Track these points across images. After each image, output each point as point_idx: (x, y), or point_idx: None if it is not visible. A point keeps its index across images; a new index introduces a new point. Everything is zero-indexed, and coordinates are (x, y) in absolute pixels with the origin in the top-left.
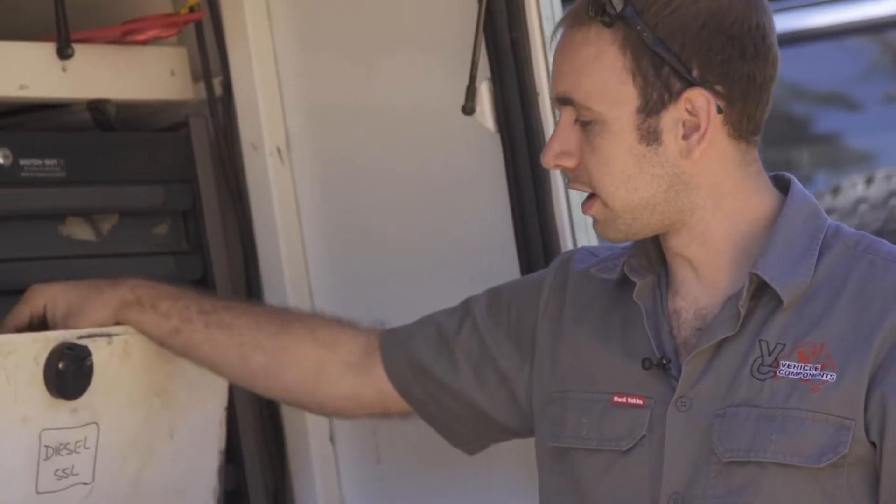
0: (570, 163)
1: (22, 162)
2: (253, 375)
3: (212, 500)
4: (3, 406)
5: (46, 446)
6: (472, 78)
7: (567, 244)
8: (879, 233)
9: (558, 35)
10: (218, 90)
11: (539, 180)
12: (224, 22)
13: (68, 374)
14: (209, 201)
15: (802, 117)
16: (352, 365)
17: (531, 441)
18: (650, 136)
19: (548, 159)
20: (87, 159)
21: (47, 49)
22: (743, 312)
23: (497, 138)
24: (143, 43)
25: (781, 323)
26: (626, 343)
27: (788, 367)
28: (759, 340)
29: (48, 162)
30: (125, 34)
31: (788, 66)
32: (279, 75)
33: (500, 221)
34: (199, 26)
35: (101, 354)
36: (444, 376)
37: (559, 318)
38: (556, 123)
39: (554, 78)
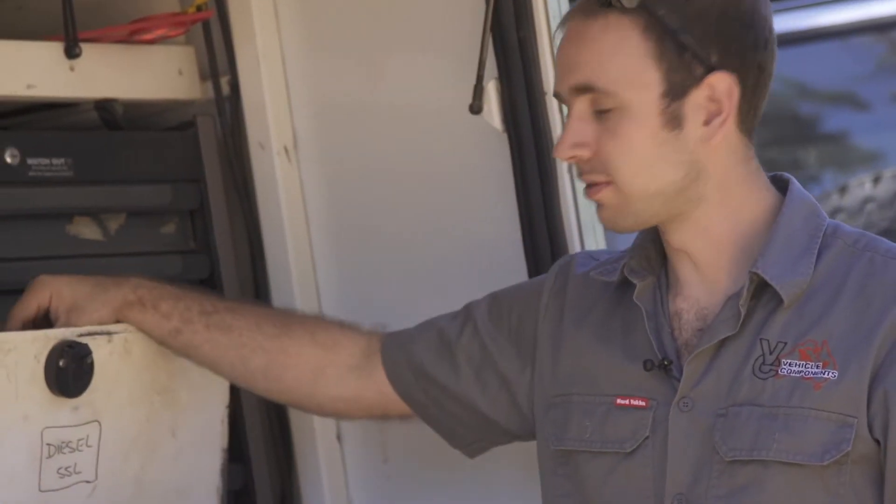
0: (585, 153)
1: (29, 161)
2: (253, 377)
3: (215, 499)
4: (5, 404)
5: (48, 444)
6: (480, 77)
7: (574, 244)
8: (887, 232)
9: (563, 30)
10: (225, 89)
11: (546, 180)
12: (231, 21)
13: (69, 372)
14: (216, 201)
15: (810, 116)
16: (352, 367)
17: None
18: (673, 122)
19: (563, 150)
20: (94, 159)
21: (55, 48)
22: (743, 312)
23: (504, 137)
24: (151, 42)
25: (782, 322)
26: (628, 345)
27: (790, 365)
28: (761, 339)
29: (56, 161)
30: (133, 33)
31: (796, 66)
32: (287, 75)
33: (507, 221)
34: (206, 25)
35: (102, 352)
36: (446, 380)
37: (560, 321)
38: (567, 116)
39: (566, 69)
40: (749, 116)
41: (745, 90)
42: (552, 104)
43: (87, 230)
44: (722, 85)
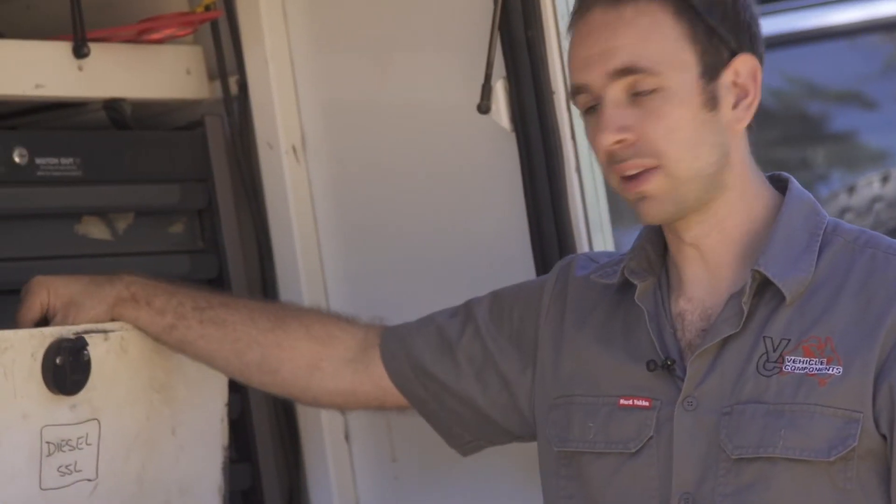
0: (630, 137)
1: (38, 161)
2: (248, 370)
3: (217, 498)
4: (3, 402)
5: (48, 443)
6: (488, 76)
7: (582, 243)
8: (895, 232)
9: (582, 21)
10: (234, 89)
11: (555, 179)
12: (240, 21)
13: (66, 369)
14: (225, 200)
15: (818, 116)
16: (348, 360)
17: None
18: (712, 102)
19: (608, 136)
20: (102, 158)
21: (63, 48)
22: (746, 310)
23: (512, 137)
24: (159, 42)
25: (785, 319)
26: (629, 346)
27: (794, 362)
28: (764, 337)
29: (64, 161)
30: (141, 33)
31: (804, 65)
32: (295, 74)
33: (515, 220)
34: (214, 25)
35: (98, 350)
36: (447, 378)
37: (561, 323)
38: (603, 104)
39: (598, 56)
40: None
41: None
42: (560, 103)
43: (95, 230)
44: (746, 67)
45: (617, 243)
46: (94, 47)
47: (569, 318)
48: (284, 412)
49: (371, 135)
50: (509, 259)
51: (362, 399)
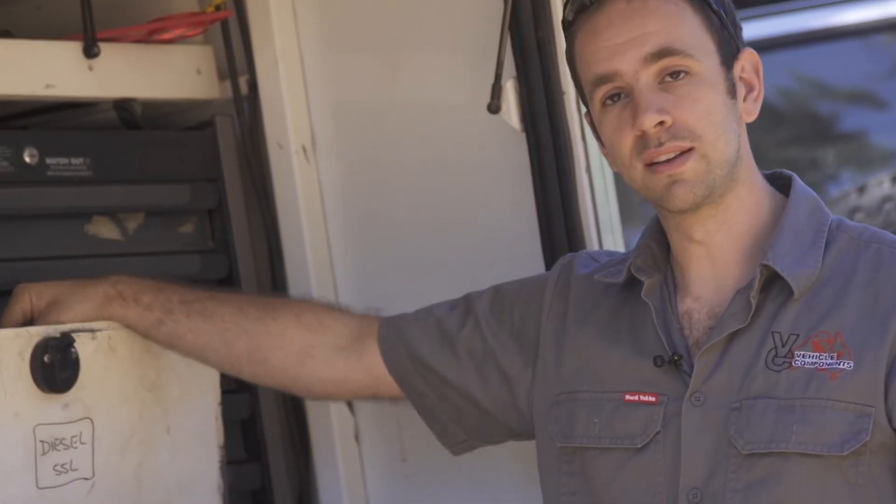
0: (668, 119)
1: (48, 161)
2: (238, 361)
3: (217, 497)
4: None
5: (42, 441)
6: (498, 76)
7: (592, 243)
8: None
9: (599, 13)
10: (244, 89)
11: (565, 178)
12: (250, 21)
13: (55, 367)
14: (235, 200)
15: (828, 116)
16: (341, 348)
17: None
18: (732, 90)
19: (650, 117)
20: (113, 158)
21: (73, 48)
22: (754, 304)
23: (522, 137)
24: (170, 42)
25: (793, 314)
26: (636, 342)
27: (804, 357)
28: (772, 332)
29: (74, 161)
30: (151, 33)
31: (814, 65)
32: (305, 74)
33: (525, 220)
34: (225, 25)
35: (87, 350)
36: (446, 372)
37: (563, 320)
38: (637, 89)
39: (630, 43)
40: None
41: None
42: (570, 103)
43: (105, 230)
44: (751, 62)
45: (627, 243)
46: (105, 47)
47: (571, 315)
48: (294, 412)
49: (381, 135)
50: (519, 260)
51: (353, 388)
